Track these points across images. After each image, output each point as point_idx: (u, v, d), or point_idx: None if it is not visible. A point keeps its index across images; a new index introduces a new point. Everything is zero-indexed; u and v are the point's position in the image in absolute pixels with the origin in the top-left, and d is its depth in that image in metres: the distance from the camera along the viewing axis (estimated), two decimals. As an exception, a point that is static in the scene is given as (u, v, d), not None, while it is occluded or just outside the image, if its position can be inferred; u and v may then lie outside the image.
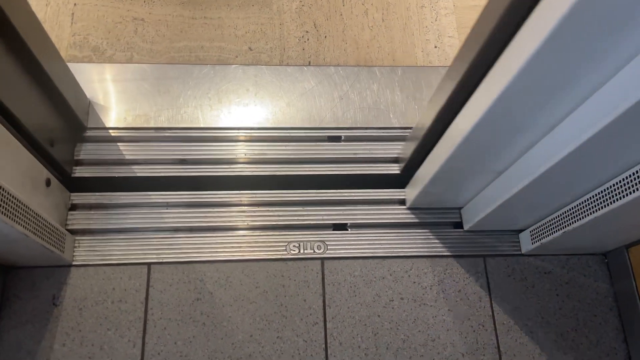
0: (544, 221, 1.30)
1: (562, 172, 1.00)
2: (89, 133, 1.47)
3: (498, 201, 1.22)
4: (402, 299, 1.37)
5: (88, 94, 1.53)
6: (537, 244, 1.33)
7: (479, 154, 1.09)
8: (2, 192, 0.98)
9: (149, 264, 1.36)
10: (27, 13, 1.12)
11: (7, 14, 1.02)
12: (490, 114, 0.90)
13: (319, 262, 1.39)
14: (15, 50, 1.10)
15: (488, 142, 1.03)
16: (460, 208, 1.48)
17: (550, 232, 1.26)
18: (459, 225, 1.46)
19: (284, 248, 1.39)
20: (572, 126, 0.92)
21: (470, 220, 1.40)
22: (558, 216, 1.22)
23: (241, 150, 1.49)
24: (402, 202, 1.48)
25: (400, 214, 1.46)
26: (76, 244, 1.35)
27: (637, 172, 0.97)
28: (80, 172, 1.43)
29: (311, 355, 1.30)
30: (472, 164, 1.14)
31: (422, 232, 1.44)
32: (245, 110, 1.57)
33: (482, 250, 1.43)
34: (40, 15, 1.72)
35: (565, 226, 1.19)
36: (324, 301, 1.35)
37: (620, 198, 1.01)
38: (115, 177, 1.44)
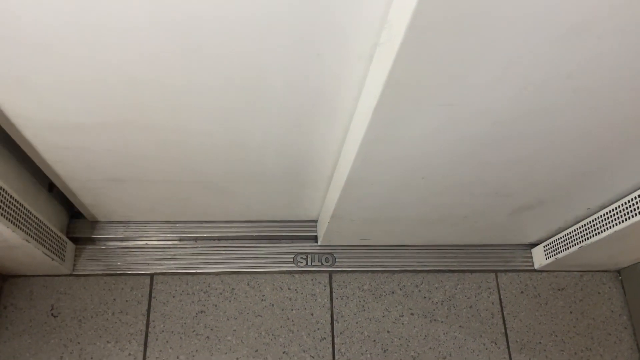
0: (559, 236, 1.27)
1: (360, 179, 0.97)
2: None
3: (329, 212, 1.16)
4: (412, 314, 1.33)
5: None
6: (552, 259, 1.30)
7: None
8: (5, 195, 0.94)
9: (151, 275, 1.31)
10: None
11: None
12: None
13: (326, 275, 1.36)
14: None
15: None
16: (316, 221, 1.40)
17: (566, 247, 1.23)
18: (316, 239, 1.38)
19: (292, 260, 1.35)
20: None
21: (320, 234, 1.33)
22: (574, 230, 1.19)
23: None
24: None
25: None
26: (77, 253, 1.31)
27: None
28: (82, 178, 1.39)
29: (318, 371, 1.26)
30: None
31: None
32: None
33: (493, 265, 1.39)
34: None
35: (583, 241, 1.16)
36: (331, 315, 1.31)
37: (643, 212, 0.98)
38: (118, 184, 1.40)
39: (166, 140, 0.95)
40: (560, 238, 1.26)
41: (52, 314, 1.25)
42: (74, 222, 1.33)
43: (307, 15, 0.67)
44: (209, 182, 1.12)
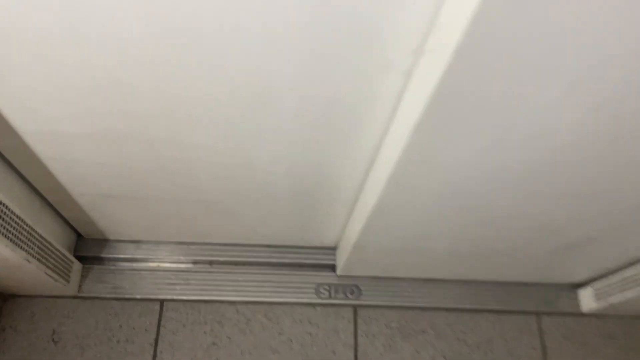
0: (614, 278, 1.14)
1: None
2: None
3: (351, 240, 1.06)
4: (444, 357, 1.20)
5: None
6: (604, 302, 1.16)
7: None
8: (5, 210, 0.85)
9: (162, 301, 1.21)
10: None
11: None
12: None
13: (351, 309, 1.24)
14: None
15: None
16: (334, 248, 1.27)
17: (622, 290, 1.10)
18: (333, 268, 1.26)
19: (313, 291, 1.24)
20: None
21: (340, 263, 1.21)
22: (634, 273, 1.06)
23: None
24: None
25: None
26: (83, 273, 1.21)
27: None
28: (95, 193, 1.31)
29: (339, 417, 1.13)
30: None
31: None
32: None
33: (535, 306, 1.26)
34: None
35: (644, 285, 1.03)
36: (355, 355, 1.19)
37: None
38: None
39: (163, 154, 0.86)
40: (615, 280, 1.13)
41: (52, 340, 1.15)
42: (82, 240, 1.24)
43: (324, 21, 0.58)
44: (211, 202, 1.03)
